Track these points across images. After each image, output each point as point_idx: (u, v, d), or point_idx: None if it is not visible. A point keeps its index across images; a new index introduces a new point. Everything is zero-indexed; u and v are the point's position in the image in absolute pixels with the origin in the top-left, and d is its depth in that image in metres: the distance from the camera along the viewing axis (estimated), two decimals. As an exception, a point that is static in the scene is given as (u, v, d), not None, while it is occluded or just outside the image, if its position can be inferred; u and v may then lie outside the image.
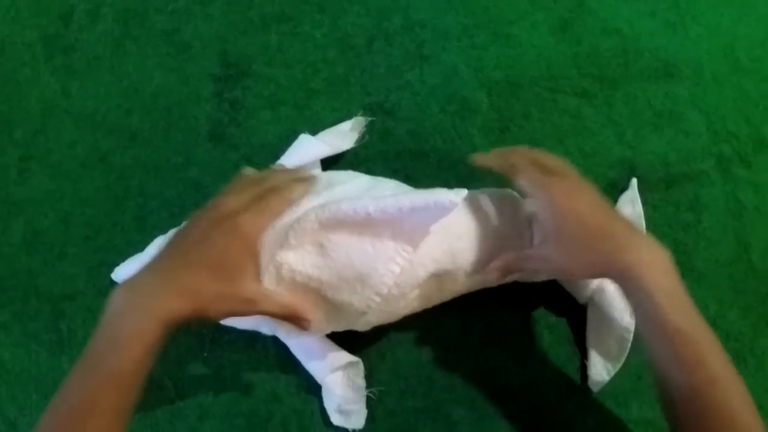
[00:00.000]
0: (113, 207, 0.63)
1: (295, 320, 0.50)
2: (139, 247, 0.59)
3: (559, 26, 0.63)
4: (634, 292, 0.45)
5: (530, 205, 0.52)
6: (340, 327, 0.54)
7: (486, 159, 0.53)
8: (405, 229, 0.50)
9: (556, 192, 0.48)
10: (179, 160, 0.63)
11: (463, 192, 0.50)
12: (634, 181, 0.60)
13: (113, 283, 0.59)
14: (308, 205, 0.50)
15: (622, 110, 0.62)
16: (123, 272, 0.59)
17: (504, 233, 0.53)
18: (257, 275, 0.47)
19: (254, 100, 0.63)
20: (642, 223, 0.58)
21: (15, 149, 0.65)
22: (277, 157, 0.60)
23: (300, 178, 0.51)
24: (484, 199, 0.54)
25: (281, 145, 0.61)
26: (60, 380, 0.60)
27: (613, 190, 0.60)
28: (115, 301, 0.43)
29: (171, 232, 0.58)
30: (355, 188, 0.53)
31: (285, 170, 0.54)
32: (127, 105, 0.64)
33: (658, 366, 0.45)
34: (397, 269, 0.50)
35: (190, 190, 0.62)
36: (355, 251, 0.50)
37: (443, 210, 0.49)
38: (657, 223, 0.59)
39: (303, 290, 0.50)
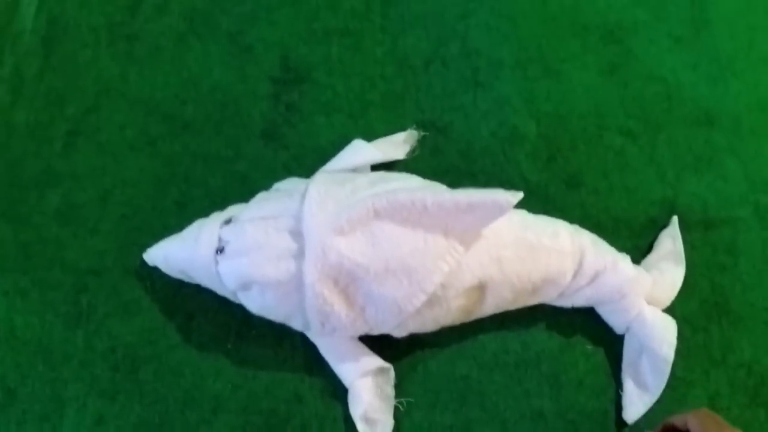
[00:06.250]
0: (155, 190, 0.62)
1: None
2: (176, 231, 0.58)
3: (608, 69, 0.66)
4: None
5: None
6: (376, 329, 0.53)
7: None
8: (458, 227, 0.50)
9: None
10: (229, 153, 0.63)
11: (519, 194, 0.50)
12: (675, 218, 0.61)
13: (143, 264, 0.58)
14: (364, 192, 0.50)
15: (664, 152, 0.63)
16: (155, 253, 0.57)
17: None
18: None
19: (310, 105, 0.64)
20: (682, 260, 0.59)
21: (64, 123, 0.65)
22: (327, 160, 0.60)
23: None
24: (529, 217, 0.55)
25: (332, 150, 0.61)
26: (71, 355, 0.58)
27: (654, 227, 0.61)
28: None
29: (213, 216, 0.57)
30: (412, 185, 0.53)
31: None
32: (184, 95, 0.65)
33: None
34: (446, 267, 0.50)
35: (236, 182, 0.62)
36: (407, 243, 0.49)
37: (499, 209, 0.49)
38: (695, 263, 0.60)
39: (347, 277, 0.49)
